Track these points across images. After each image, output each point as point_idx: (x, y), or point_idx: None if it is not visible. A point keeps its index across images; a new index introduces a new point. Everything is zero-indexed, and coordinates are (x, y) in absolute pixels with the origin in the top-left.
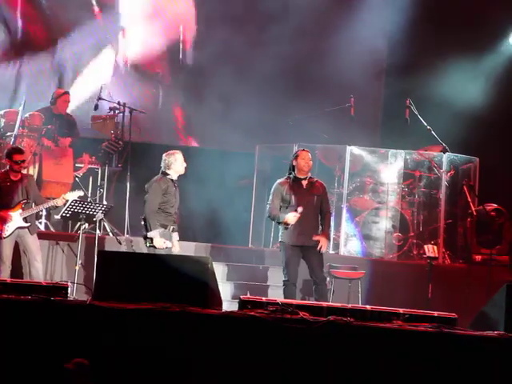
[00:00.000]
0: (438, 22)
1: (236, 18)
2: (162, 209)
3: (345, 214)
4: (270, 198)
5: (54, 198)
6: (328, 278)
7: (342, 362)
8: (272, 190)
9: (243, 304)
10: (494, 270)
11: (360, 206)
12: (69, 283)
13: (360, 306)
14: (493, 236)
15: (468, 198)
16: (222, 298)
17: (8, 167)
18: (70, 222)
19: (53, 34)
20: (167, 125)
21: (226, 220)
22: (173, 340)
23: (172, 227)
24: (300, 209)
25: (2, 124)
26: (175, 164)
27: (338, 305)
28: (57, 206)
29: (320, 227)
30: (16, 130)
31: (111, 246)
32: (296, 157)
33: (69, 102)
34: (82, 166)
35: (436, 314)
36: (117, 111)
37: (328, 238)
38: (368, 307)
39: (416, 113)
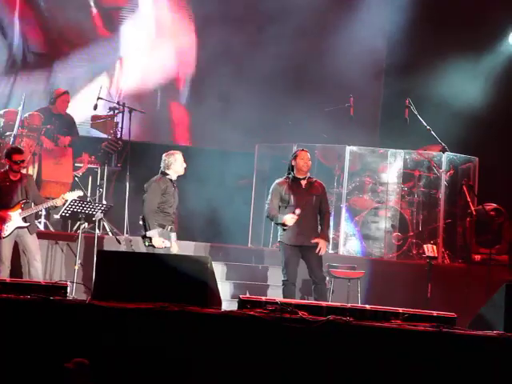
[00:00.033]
0: (437, 22)
1: (236, 17)
2: (161, 209)
3: (344, 214)
4: (269, 197)
5: (53, 198)
6: (327, 278)
7: (341, 362)
8: (271, 189)
9: (242, 303)
10: (494, 269)
11: (359, 205)
12: (68, 283)
13: (359, 305)
14: (492, 236)
15: (467, 198)
16: (222, 297)
17: (7, 167)
18: (70, 221)
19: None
20: (166, 124)
21: (225, 219)
22: (172, 339)
23: (170, 227)
24: (298, 211)
25: (2, 124)
26: (175, 164)
27: (338, 304)
28: (56, 206)
29: (319, 227)
30: (15, 129)
31: (110, 245)
32: (295, 157)
33: (68, 101)
34: (81, 165)
35: (435, 313)
36: (116, 111)
37: (327, 240)
38: (367, 307)
39: (415, 112)
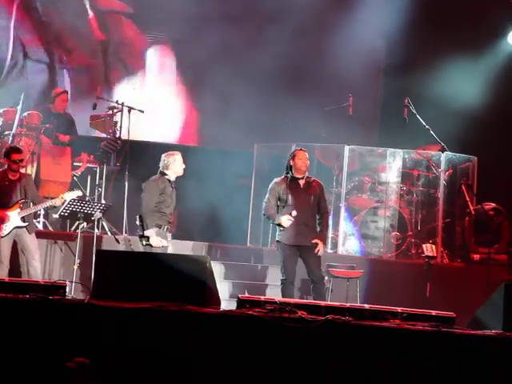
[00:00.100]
0: (436, 22)
1: (235, 17)
2: (158, 209)
3: (343, 213)
4: (267, 196)
5: (52, 197)
6: (326, 277)
7: (340, 361)
8: (269, 188)
9: (241, 303)
10: (492, 269)
11: (358, 205)
12: (67, 282)
13: (358, 305)
14: (491, 235)
15: (466, 197)
16: (221, 296)
17: (6, 166)
18: (69, 221)
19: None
20: (166, 124)
21: (224, 219)
22: (171, 339)
23: (166, 227)
24: (294, 212)
25: (0, 123)
26: (174, 165)
27: (337, 304)
28: (55, 206)
29: (318, 227)
30: (14, 129)
31: (109, 245)
32: (293, 156)
33: (67, 101)
34: (80, 164)
35: (434, 313)
36: (115, 110)
37: (325, 241)
38: (366, 306)
39: (414, 112)
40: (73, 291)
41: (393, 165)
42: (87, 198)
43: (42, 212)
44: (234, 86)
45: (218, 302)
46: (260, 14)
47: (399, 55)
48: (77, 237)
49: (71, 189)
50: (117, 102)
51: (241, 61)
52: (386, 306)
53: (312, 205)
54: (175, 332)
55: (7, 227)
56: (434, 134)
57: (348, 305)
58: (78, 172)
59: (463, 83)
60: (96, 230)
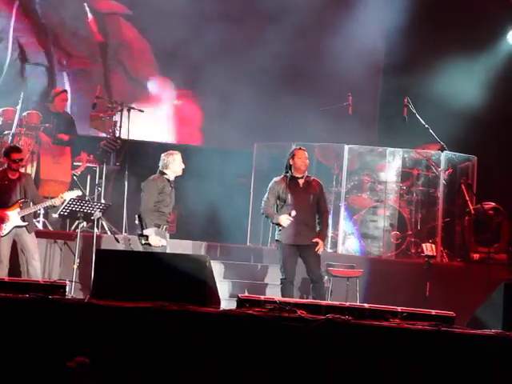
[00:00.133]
0: (435, 21)
1: (235, 17)
2: (156, 208)
3: (343, 213)
4: (266, 195)
5: (51, 197)
6: (326, 277)
7: (340, 361)
8: (268, 187)
9: (241, 302)
10: (492, 268)
11: (358, 204)
12: (67, 282)
13: (358, 304)
14: (491, 234)
15: (466, 197)
16: (220, 296)
17: (6, 166)
18: (68, 220)
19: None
20: (165, 123)
21: (224, 218)
22: (171, 338)
23: (165, 226)
24: (293, 212)
25: (0, 123)
26: (173, 164)
27: (336, 303)
28: (55, 206)
29: (317, 227)
30: (14, 128)
31: (109, 244)
32: (293, 156)
33: (66, 100)
34: (79, 164)
35: (434, 312)
36: (115, 110)
37: (324, 239)
38: (366, 305)
39: (414, 111)
40: (72, 291)
41: (392, 164)
42: (87, 198)
43: (42, 211)
44: (233, 86)
45: (218, 302)
46: (260, 14)
47: (399, 55)
48: (76, 236)
49: (71, 188)
50: (116, 101)
51: (240, 60)
52: (385, 305)
53: (311, 204)
54: (175, 331)
55: (7, 227)
56: (434, 133)
57: (348, 304)
58: (78, 171)
59: (463, 83)
60: (96, 230)
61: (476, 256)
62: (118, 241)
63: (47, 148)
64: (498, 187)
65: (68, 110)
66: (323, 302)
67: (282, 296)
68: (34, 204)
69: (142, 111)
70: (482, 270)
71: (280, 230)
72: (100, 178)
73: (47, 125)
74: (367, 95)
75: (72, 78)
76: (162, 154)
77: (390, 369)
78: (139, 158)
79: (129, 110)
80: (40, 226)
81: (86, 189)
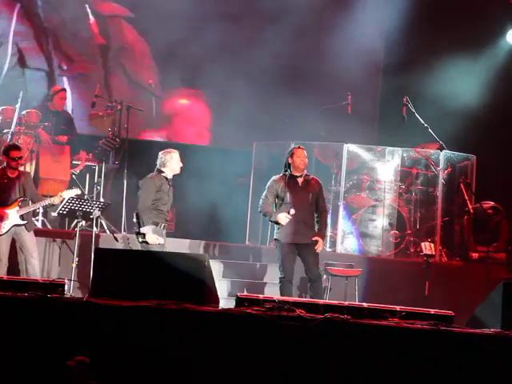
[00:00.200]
0: (435, 21)
1: (234, 16)
2: (154, 206)
3: (342, 212)
4: (264, 193)
5: (50, 196)
6: (325, 276)
7: (338, 360)
8: (267, 185)
9: (240, 301)
10: (491, 267)
11: (357, 203)
12: (65, 280)
13: (357, 303)
14: (490, 234)
15: (465, 196)
16: (219, 295)
17: (5, 164)
18: (67, 219)
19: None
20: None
21: (223, 217)
22: (170, 337)
23: (163, 225)
24: (292, 211)
25: None
26: (171, 162)
27: (335, 302)
28: (53, 204)
29: (316, 225)
30: (13, 127)
31: (108, 243)
32: (291, 154)
33: (65, 99)
34: (78, 163)
35: (433, 311)
36: (114, 108)
37: (324, 238)
38: (365, 305)
39: (413, 110)
40: (71, 289)
41: (391, 163)
42: (86, 197)
43: (41, 210)
44: (233, 85)
45: (217, 301)
46: (259, 14)
47: (398, 54)
48: (75, 235)
49: (70, 187)
50: (115, 100)
51: (240, 60)
52: (384, 304)
53: (310, 203)
54: (174, 330)
55: (6, 225)
56: (433, 132)
57: (346, 303)
58: (77, 170)
59: (462, 82)
60: (95, 229)
61: (475, 255)
62: (116, 240)
63: (47, 146)
64: (497, 186)
65: (69, 110)
66: (322, 301)
67: (281, 295)
68: (33, 202)
69: (141, 110)
70: (480, 269)
71: (279, 229)
72: (99, 176)
73: (46, 123)
74: (366, 94)
75: (72, 83)
76: (160, 152)
77: (389, 368)
78: (138, 157)
79: (128, 109)
80: (39, 225)
81: (84, 187)
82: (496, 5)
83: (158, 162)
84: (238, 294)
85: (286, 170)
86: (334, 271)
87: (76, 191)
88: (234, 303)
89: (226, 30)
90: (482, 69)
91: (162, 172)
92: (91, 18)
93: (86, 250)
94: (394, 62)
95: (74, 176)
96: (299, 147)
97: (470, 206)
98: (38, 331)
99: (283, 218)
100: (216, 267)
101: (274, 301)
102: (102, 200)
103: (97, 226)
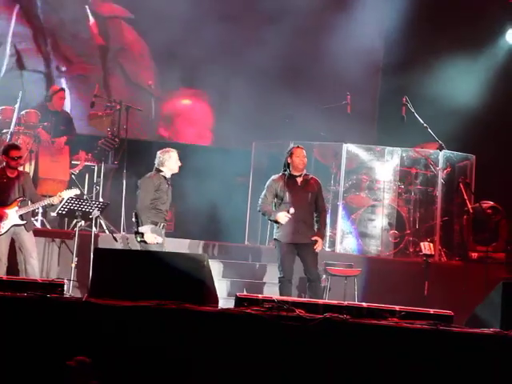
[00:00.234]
0: (434, 21)
1: (234, 16)
2: (153, 205)
3: (341, 212)
4: (264, 192)
5: (50, 196)
6: (324, 276)
7: (338, 360)
8: (266, 185)
9: (239, 301)
10: (490, 267)
11: (356, 203)
12: (65, 280)
13: (356, 303)
14: (489, 233)
15: (464, 196)
16: (218, 295)
17: (4, 164)
18: (66, 219)
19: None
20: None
21: (222, 217)
22: (169, 337)
23: (162, 224)
24: (292, 210)
25: None
26: (169, 162)
27: (334, 302)
28: (53, 204)
29: (315, 225)
30: (12, 127)
31: (107, 243)
32: (290, 154)
33: (64, 98)
34: (78, 163)
35: (432, 311)
36: (113, 108)
37: (323, 238)
38: (364, 304)
39: (412, 110)
40: (71, 289)
41: (391, 163)
42: (85, 197)
43: (40, 210)
44: (232, 85)
45: (216, 301)
46: (259, 14)
47: (397, 54)
48: (75, 235)
49: (69, 187)
50: (114, 100)
51: (239, 60)
52: (383, 304)
53: (309, 202)
54: (173, 330)
55: (5, 225)
56: (432, 132)
57: (346, 303)
58: (76, 170)
59: (461, 82)
60: (94, 229)
61: (474, 255)
62: (116, 239)
63: (47, 145)
64: (497, 186)
65: (68, 110)
66: (321, 301)
67: (281, 294)
68: (33, 202)
69: (140, 110)
70: (480, 268)
71: (278, 228)
72: (98, 176)
73: (46, 123)
74: (366, 94)
75: (70, 84)
76: (158, 152)
77: (389, 368)
78: (137, 157)
79: (127, 109)
80: (38, 225)
81: (84, 187)
82: (495, 4)
83: (157, 162)
84: (238, 294)
85: (285, 170)
86: (334, 271)
87: (75, 191)
88: (233, 303)
89: (225, 30)
90: (482, 68)
91: (161, 171)
92: (91, 18)
93: (86, 249)
94: (394, 62)
95: (73, 176)
96: (298, 147)
97: (470, 206)
98: (38, 331)
99: (283, 216)
100: (215, 267)
101: (274, 301)
102: (101, 200)
103: (96, 226)
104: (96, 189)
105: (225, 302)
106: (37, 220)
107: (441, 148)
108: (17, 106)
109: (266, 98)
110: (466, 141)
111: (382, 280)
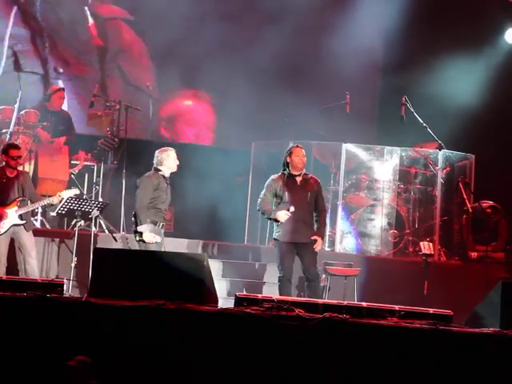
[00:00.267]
0: (434, 20)
1: (233, 15)
2: (153, 205)
3: (340, 211)
4: (263, 192)
5: (49, 195)
6: (324, 275)
7: (337, 359)
8: (266, 184)
9: (239, 301)
10: (490, 267)
11: (355, 203)
12: (64, 280)
13: (356, 303)
14: (488, 233)
15: (464, 195)
16: (218, 295)
17: (4, 163)
18: (66, 218)
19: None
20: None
21: (221, 217)
22: (169, 337)
23: (162, 224)
24: (292, 208)
25: None
26: (167, 160)
27: (334, 302)
28: (52, 204)
29: (315, 225)
30: (11, 127)
31: (106, 243)
32: (290, 153)
33: (64, 98)
34: (77, 163)
35: (432, 310)
36: (112, 108)
37: (323, 237)
38: (364, 304)
39: (412, 110)
40: (70, 289)
41: (390, 163)
42: (84, 196)
43: (40, 210)
44: (231, 85)
45: (216, 300)
46: (259, 13)
47: (397, 54)
48: (74, 235)
49: (69, 187)
50: (114, 100)
51: (239, 59)
52: (383, 303)
53: (309, 202)
54: (173, 330)
55: (5, 225)
56: (432, 131)
57: (345, 303)
58: (76, 170)
59: (461, 81)
60: (93, 228)
61: (474, 254)
62: (115, 239)
63: (46, 144)
64: (496, 186)
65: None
66: (321, 301)
67: (280, 294)
68: (32, 202)
69: (139, 110)
70: (479, 268)
71: (278, 226)
72: (98, 176)
73: (45, 123)
74: (365, 94)
75: (68, 85)
76: (156, 151)
77: (388, 367)
78: (137, 157)
79: (126, 109)
80: (38, 225)
81: (83, 187)
82: (495, 4)
83: (155, 161)
84: (237, 294)
85: (284, 169)
86: (333, 271)
87: (75, 191)
88: (233, 303)
89: (224, 30)
90: (481, 68)
91: (160, 170)
92: (90, 20)
93: (85, 249)
94: (393, 62)
95: (72, 176)
96: (297, 146)
97: (469, 206)
98: (37, 331)
99: (283, 215)
100: (215, 267)
101: (273, 300)
102: (100, 200)
103: (95, 226)
104: (95, 188)
105: (224, 302)
106: (36, 220)
107: (440, 147)
108: (16, 105)
109: (266, 98)
110: (465, 140)
111: (382, 280)
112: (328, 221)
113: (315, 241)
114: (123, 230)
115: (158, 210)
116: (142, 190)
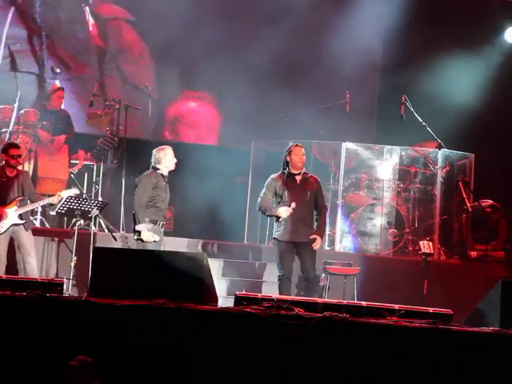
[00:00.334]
0: (433, 19)
1: (233, 15)
2: (152, 203)
3: (340, 211)
4: (263, 190)
5: (49, 195)
6: (323, 274)
7: (337, 358)
8: (266, 183)
9: (239, 300)
10: (490, 266)
11: (355, 202)
12: (64, 279)
13: (355, 302)
14: (488, 232)
15: (463, 194)
16: (218, 294)
17: (4, 163)
18: (66, 218)
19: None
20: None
21: (221, 216)
22: (169, 336)
23: (162, 223)
24: (293, 204)
25: None
26: (165, 159)
27: (334, 301)
28: (52, 204)
29: (315, 224)
30: (11, 126)
31: (106, 242)
32: (289, 152)
33: (63, 97)
34: (77, 162)
35: (431, 310)
36: (112, 107)
37: (322, 236)
38: (363, 303)
39: (411, 109)
40: (70, 288)
41: (390, 162)
42: (84, 196)
43: (39, 209)
44: (231, 84)
45: (216, 300)
46: (259, 13)
47: (396, 53)
48: (74, 234)
49: (68, 186)
50: (113, 99)
51: (238, 58)
52: (383, 303)
53: (309, 201)
54: (173, 329)
55: (4, 224)
56: (431, 130)
57: (345, 302)
58: (75, 169)
59: (460, 80)
60: (93, 228)
61: (473, 254)
62: (115, 239)
63: (46, 143)
64: (496, 185)
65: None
66: (320, 300)
67: (280, 293)
68: (32, 202)
69: (138, 109)
70: (479, 267)
71: (278, 223)
72: (97, 175)
73: (44, 123)
74: (365, 93)
75: (66, 85)
76: (154, 150)
77: (388, 366)
78: (136, 156)
79: (126, 108)
80: (37, 224)
81: (83, 187)
82: (495, 3)
83: (153, 160)
84: (237, 293)
85: (284, 168)
86: (333, 270)
87: (74, 190)
88: (232, 302)
89: (224, 30)
90: (481, 67)
91: (158, 169)
92: (91, 20)
93: (85, 248)
94: (393, 61)
95: (72, 175)
96: (297, 145)
97: (469, 205)
98: (37, 330)
99: (284, 211)
100: (215, 266)
101: (273, 299)
102: (100, 199)
103: (95, 225)
104: (95, 188)
105: (224, 301)
106: (36, 219)
107: (440, 147)
108: (16, 105)
109: (265, 97)
110: (464, 139)
111: (382, 279)
112: (328, 220)
113: (314, 239)
114: (123, 230)
115: (158, 209)
116: (141, 189)
